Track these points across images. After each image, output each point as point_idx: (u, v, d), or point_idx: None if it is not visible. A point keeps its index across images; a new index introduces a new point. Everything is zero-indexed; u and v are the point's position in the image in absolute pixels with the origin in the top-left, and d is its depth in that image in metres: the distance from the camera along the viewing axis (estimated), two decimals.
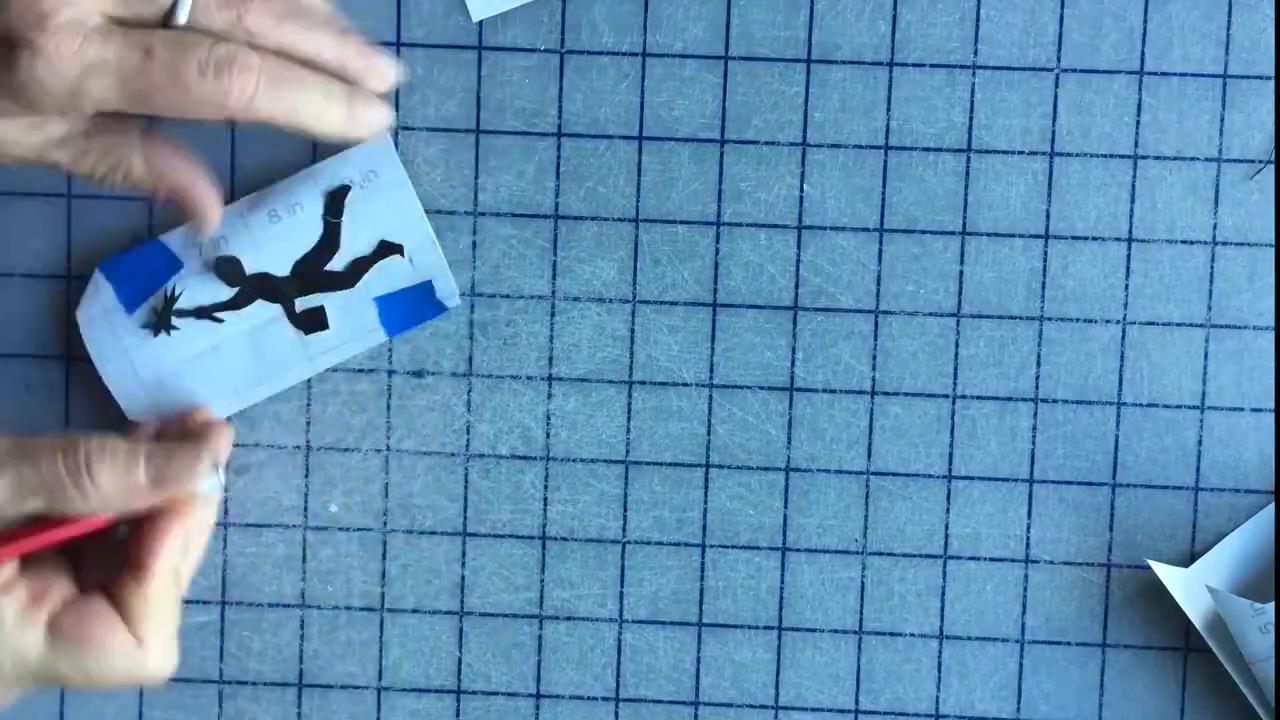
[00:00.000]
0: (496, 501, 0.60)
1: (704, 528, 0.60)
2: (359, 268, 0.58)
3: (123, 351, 0.58)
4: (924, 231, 0.59)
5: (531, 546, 0.60)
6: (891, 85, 0.59)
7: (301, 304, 0.58)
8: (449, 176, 0.59)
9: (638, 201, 0.59)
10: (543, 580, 0.60)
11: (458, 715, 0.61)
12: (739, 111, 0.59)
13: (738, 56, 0.59)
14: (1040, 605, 0.60)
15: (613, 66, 0.59)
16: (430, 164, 0.59)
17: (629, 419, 0.60)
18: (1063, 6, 0.58)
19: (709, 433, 0.60)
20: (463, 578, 0.61)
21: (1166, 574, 0.58)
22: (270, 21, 0.51)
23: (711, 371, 0.60)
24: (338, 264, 0.58)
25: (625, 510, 0.60)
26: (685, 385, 0.60)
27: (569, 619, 0.60)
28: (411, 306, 0.59)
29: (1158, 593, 0.59)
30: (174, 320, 0.58)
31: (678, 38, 0.59)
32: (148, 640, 0.53)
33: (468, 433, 0.60)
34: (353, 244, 0.58)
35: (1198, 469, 0.59)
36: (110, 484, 0.51)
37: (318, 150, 0.58)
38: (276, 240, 0.58)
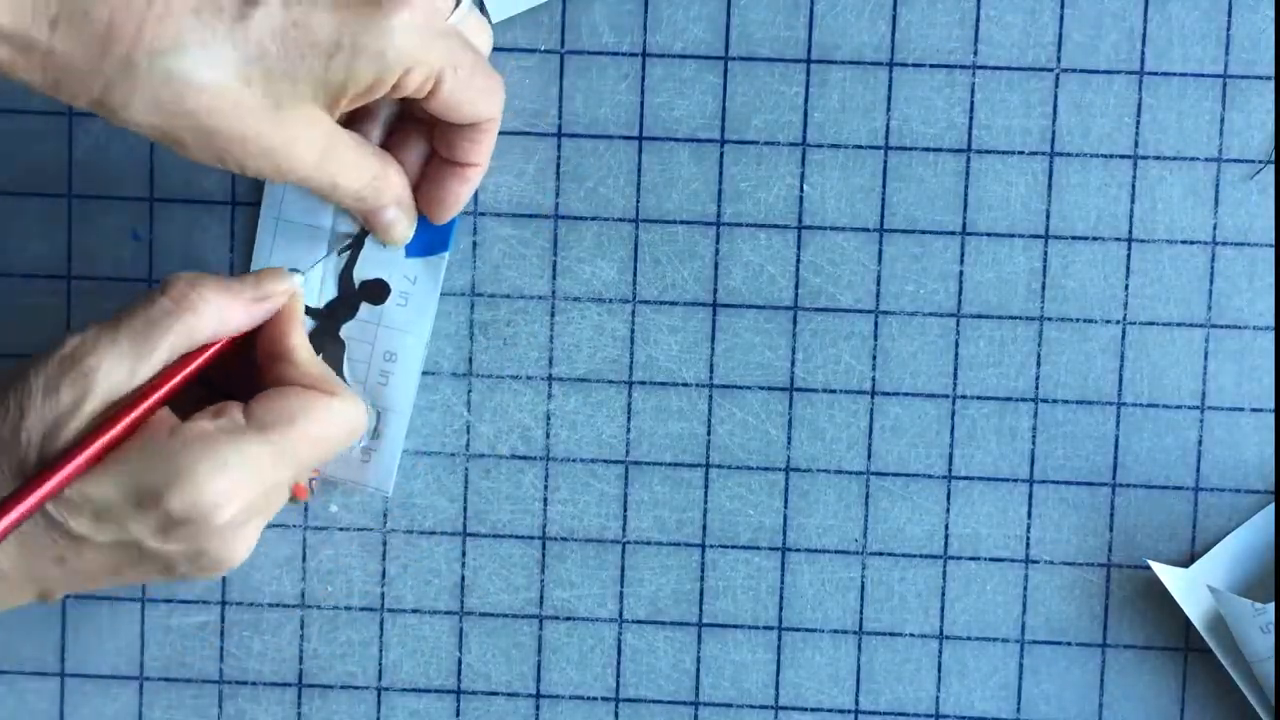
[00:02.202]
0: (496, 501, 0.60)
1: (704, 528, 0.60)
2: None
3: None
4: (924, 231, 0.59)
5: (531, 546, 0.60)
6: (891, 85, 0.59)
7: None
8: None
9: (638, 201, 0.59)
10: (543, 580, 0.60)
11: (458, 715, 0.61)
12: (739, 111, 0.59)
13: (738, 56, 0.59)
14: (1040, 605, 0.60)
15: (613, 66, 0.59)
16: None
17: (629, 419, 0.60)
18: (1063, 6, 0.58)
19: (709, 433, 0.60)
20: (463, 578, 0.61)
21: (1166, 574, 0.58)
22: None
23: (711, 371, 0.60)
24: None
25: (625, 510, 0.60)
26: (685, 385, 0.60)
27: (569, 619, 0.60)
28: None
29: (1158, 593, 0.59)
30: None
31: (678, 38, 0.59)
32: (331, 393, 0.53)
33: (468, 433, 0.60)
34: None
35: (1198, 469, 0.59)
36: (218, 303, 0.52)
37: None
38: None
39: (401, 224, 0.57)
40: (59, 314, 0.60)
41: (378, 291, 0.59)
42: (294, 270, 0.56)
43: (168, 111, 0.48)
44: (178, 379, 0.52)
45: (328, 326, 0.59)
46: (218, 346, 0.53)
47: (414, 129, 0.56)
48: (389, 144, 0.56)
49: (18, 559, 0.51)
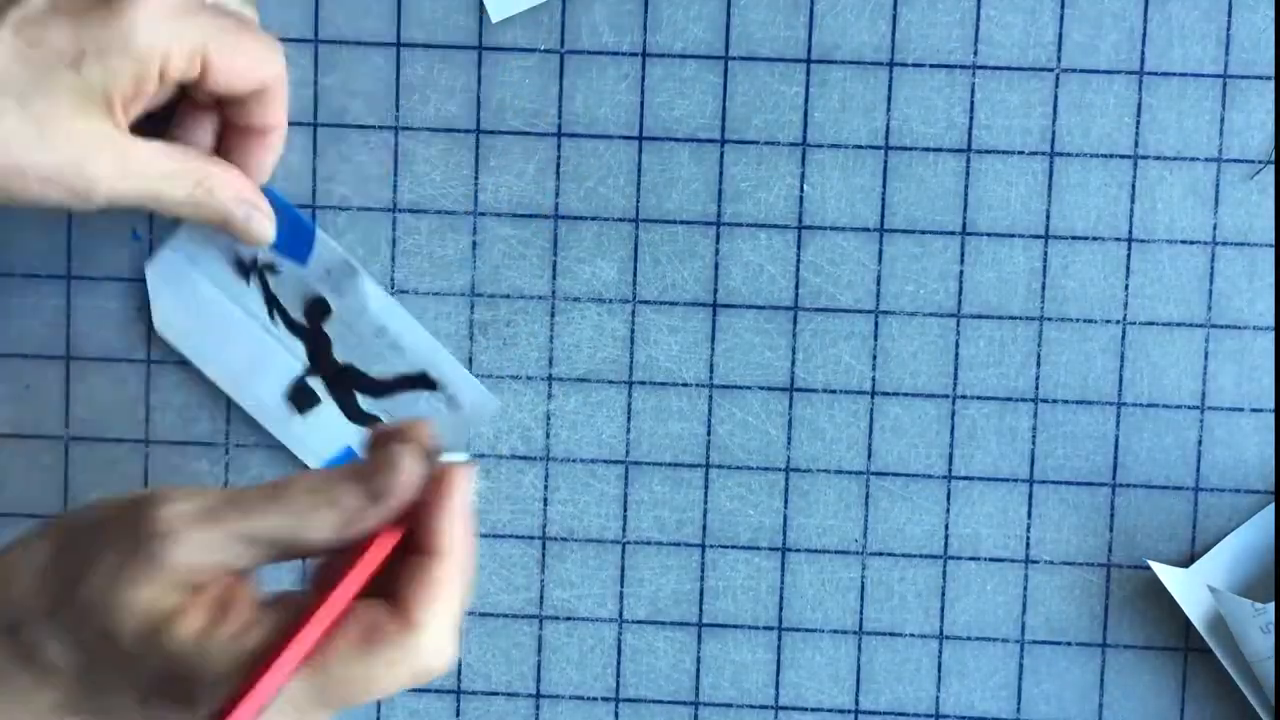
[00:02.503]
0: (496, 501, 0.60)
1: (704, 528, 0.60)
2: (393, 387, 0.59)
3: (190, 280, 0.59)
4: (924, 231, 0.59)
5: (531, 546, 0.60)
6: (891, 85, 0.59)
7: (313, 382, 0.59)
8: (449, 176, 0.59)
9: (638, 201, 0.59)
10: (543, 580, 0.60)
11: (458, 715, 0.61)
12: (739, 111, 0.59)
13: (738, 56, 0.59)
14: (1040, 605, 0.60)
15: (613, 66, 0.59)
16: (430, 164, 0.59)
17: (629, 419, 0.60)
18: (1063, 6, 0.58)
19: (709, 433, 0.60)
20: None
21: (1166, 574, 0.58)
22: None
23: (711, 371, 0.60)
24: (382, 371, 0.59)
25: (625, 510, 0.60)
26: (685, 385, 0.60)
27: (569, 619, 0.60)
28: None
29: (1158, 593, 0.59)
30: (253, 279, 0.59)
31: (678, 38, 0.59)
32: (421, 625, 0.44)
33: (468, 433, 0.60)
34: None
35: (1198, 469, 0.59)
36: (327, 519, 0.45)
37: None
38: (356, 341, 0.59)
39: (256, 219, 0.55)
40: (59, 314, 0.60)
41: (321, 311, 0.59)
42: (451, 453, 0.47)
43: None
44: (347, 595, 0.45)
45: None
46: (373, 559, 0.45)
47: (198, 107, 0.55)
48: (178, 129, 0.55)
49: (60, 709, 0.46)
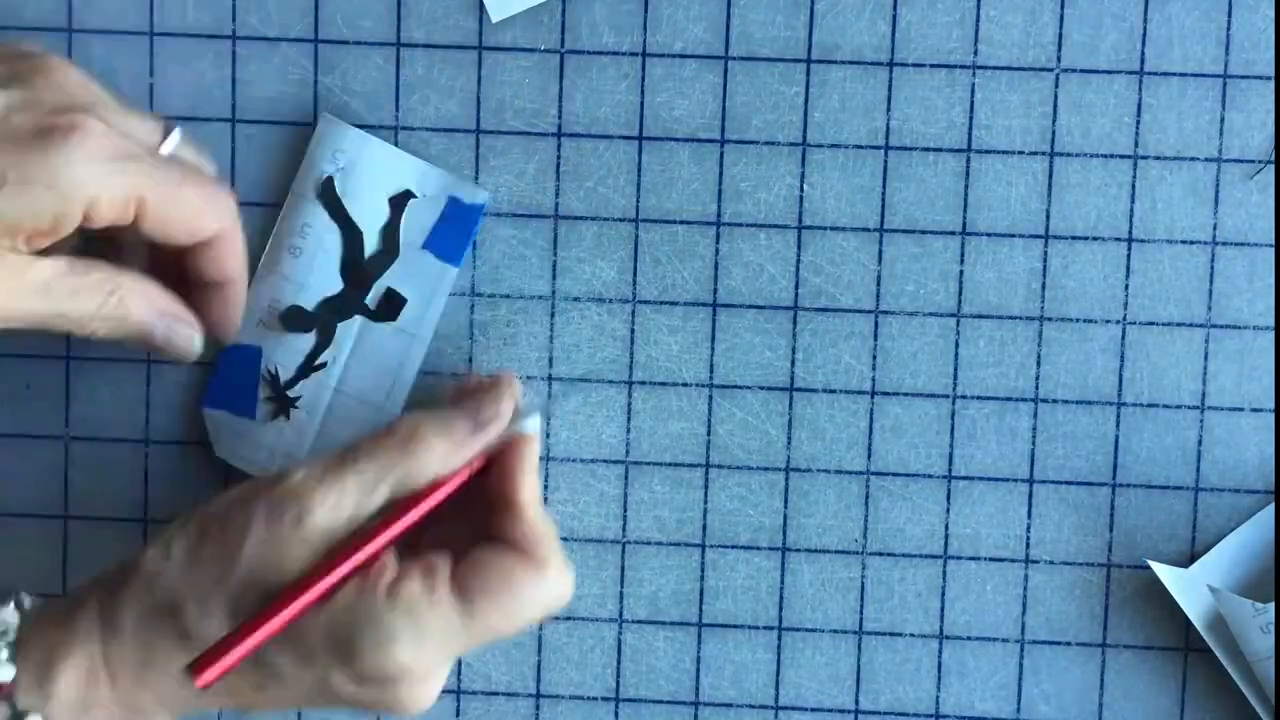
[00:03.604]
0: None
1: (704, 528, 0.60)
2: (390, 235, 0.58)
3: (268, 451, 0.59)
4: (924, 231, 0.59)
5: None
6: (891, 85, 0.59)
7: (371, 300, 0.59)
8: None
9: (638, 201, 0.59)
10: None
11: (458, 715, 0.61)
12: (739, 111, 0.59)
13: (738, 56, 0.59)
14: (1040, 605, 0.60)
15: (613, 66, 0.59)
16: (430, 164, 0.59)
17: (629, 419, 0.60)
18: (1063, 6, 0.58)
19: (709, 433, 0.60)
20: None
21: (1166, 574, 0.58)
22: None
23: (711, 371, 0.60)
24: (371, 244, 0.58)
25: (625, 510, 0.60)
26: (685, 385, 0.60)
27: (569, 619, 0.60)
28: (456, 227, 0.58)
29: (1158, 593, 0.59)
30: (291, 393, 0.59)
31: (678, 38, 0.59)
32: (546, 564, 0.52)
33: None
34: (371, 219, 0.58)
35: (1198, 469, 0.59)
36: (439, 446, 0.52)
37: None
38: (312, 267, 0.58)
39: (180, 337, 0.53)
40: None
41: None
42: (530, 415, 0.54)
43: None
44: (399, 528, 0.51)
45: (326, 319, 0.59)
46: (442, 493, 0.52)
47: (128, 244, 0.53)
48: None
49: (220, 681, 0.50)
